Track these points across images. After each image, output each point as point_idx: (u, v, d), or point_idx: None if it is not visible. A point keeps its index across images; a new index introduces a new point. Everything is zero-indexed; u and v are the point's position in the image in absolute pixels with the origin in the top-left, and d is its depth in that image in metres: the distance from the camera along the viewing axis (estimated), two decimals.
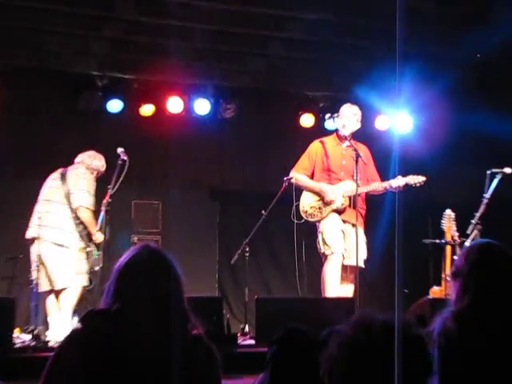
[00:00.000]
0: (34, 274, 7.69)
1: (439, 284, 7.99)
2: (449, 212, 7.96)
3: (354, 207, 7.55)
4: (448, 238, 7.87)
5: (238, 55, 9.72)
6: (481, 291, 3.16)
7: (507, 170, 7.73)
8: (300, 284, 7.99)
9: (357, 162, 7.38)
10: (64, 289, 7.69)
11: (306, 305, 7.14)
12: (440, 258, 8.06)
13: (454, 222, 7.92)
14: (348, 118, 7.88)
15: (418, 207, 9.58)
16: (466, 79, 9.69)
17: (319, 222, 7.81)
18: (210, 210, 11.03)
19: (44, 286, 7.70)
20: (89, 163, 7.91)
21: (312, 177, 7.96)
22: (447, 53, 9.26)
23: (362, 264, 7.54)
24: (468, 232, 7.73)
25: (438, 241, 8.12)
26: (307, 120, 10.37)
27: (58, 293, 7.73)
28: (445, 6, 8.31)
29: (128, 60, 9.54)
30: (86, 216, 7.78)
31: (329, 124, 9.19)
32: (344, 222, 7.76)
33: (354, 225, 7.53)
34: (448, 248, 7.85)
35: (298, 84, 10.24)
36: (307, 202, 7.87)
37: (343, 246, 7.68)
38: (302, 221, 7.84)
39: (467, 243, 7.34)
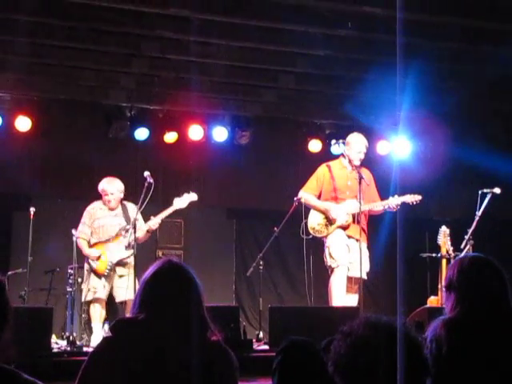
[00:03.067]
0: None
1: (436, 294, 7.95)
2: (444, 228, 7.95)
3: (358, 223, 7.53)
4: (443, 252, 7.85)
5: (252, 88, 9.74)
6: (470, 301, 3.12)
7: (497, 190, 7.70)
8: (309, 294, 7.96)
9: (360, 183, 7.36)
10: None
11: (315, 313, 7.10)
12: (436, 271, 8.03)
13: (448, 238, 7.90)
14: (354, 149, 7.85)
15: (417, 224, 9.55)
16: (460, 108, 9.69)
17: (326, 237, 7.78)
18: (227, 227, 11.03)
19: None
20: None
21: (319, 197, 7.94)
22: (443, 84, 9.25)
23: (364, 276, 7.50)
24: (461, 247, 7.70)
25: (434, 255, 8.12)
26: (315, 146, 10.36)
27: None
28: (440, 42, 8.31)
29: (153, 92, 9.58)
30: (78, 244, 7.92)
31: (334, 149, 9.16)
32: (348, 237, 7.74)
33: (357, 240, 7.51)
34: (444, 261, 7.83)
35: (307, 113, 10.25)
36: (315, 220, 7.85)
37: (348, 259, 7.65)
38: (310, 236, 7.81)
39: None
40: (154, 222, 7.86)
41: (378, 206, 7.73)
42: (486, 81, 9.06)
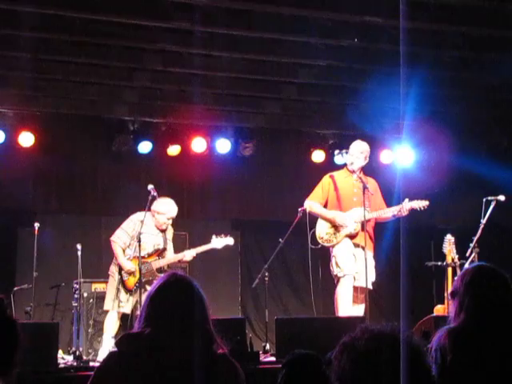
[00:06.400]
0: None
1: (442, 303, 7.93)
2: (449, 237, 7.93)
3: (364, 231, 7.51)
4: (449, 260, 7.83)
5: (254, 99, 9.76)
6: (474, 310, 3.13)
7: (501, 198, 7.68)
8: (315, 304, 7.93)
9: (364, 193, 7.36)
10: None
11: (321, 324, 7.06)
12: (442, 279, 8.01)
13: (454, 246, 7.88)
14: (356, 155, 7.85)
15: (421, 233, 9.54)
16: (463, 117, 9.69)
17: (333, 246, 7.76)
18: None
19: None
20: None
21: (325, 206, 7.93)
22: (446, 93, 9.26)
23: (370, 286, 7.47)
24: (467, 255, 7.68)
25: (439, 263, 8.09)
26: (318, 156, 10.36)
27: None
28: (443, 50, 8.33)
29: (156, 106, 9.59)
30: (113, 248, 7.84)
31: (338, 159, 9.16)
32: (355, 245, 7.71)
33: (363, 248, 7.48)
34: (449, 269, 7.81)
35: (310, 124, 10.25)
36: (322, 229, 7.83)
37: (354, 268, 7.63)
38: (319, 246, 7.80)
39: (466, 265, 7.29)
40: (189, 254, 7.96)
41: (387, 213, 7.71)
42: (489, 89, 9.07)
